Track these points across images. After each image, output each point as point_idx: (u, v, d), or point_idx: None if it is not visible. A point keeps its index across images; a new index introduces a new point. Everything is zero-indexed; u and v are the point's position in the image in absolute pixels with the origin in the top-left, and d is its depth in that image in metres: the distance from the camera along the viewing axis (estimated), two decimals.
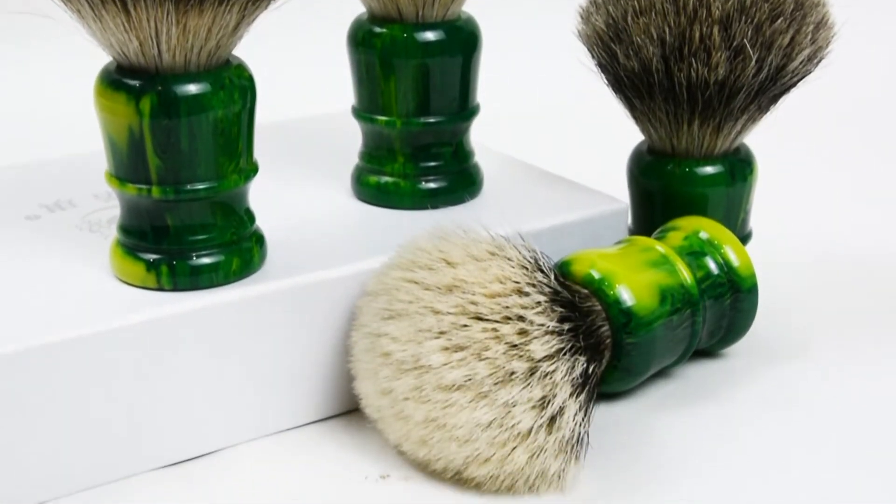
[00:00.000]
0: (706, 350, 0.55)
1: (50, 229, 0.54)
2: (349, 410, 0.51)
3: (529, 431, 0.45)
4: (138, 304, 0.47)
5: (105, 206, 0.56)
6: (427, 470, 0.47)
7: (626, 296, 0.50)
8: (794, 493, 0.46)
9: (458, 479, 0.46)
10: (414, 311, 0.46)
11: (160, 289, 0.48)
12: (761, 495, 0.46)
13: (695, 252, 0.53)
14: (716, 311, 0.53)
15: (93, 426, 0.46)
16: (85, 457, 0.46)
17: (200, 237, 0.48)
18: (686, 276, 0.52)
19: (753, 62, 0.53)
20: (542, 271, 0.47)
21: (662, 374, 0.54)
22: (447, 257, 0.47)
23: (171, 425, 0.48)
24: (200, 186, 0.47)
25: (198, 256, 0.48)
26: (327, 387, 0.51)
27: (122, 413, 0.47)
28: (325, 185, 0.59)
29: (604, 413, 0.51)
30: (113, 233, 0.51)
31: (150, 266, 0.47)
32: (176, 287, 0.48)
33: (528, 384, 0.45)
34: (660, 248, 0.52)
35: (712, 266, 0.53)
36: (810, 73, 0.56)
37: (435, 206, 0.55)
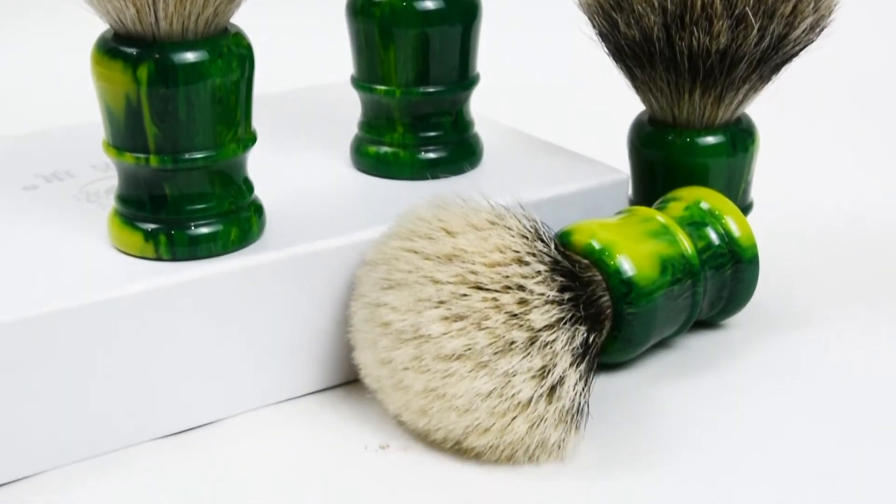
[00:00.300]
0: (707, 321, 0.55)
1: (48, 200, 0.54)
2: (348, 381, 0.51)
3: (529, 401, 0.44)
4: (137, 273, 0.47)
5: (103, 177, 0.56)
6: (427, 440, 0.47)
7: (627, 266, 0.49)
8: (794, 463, 0.46)
9: (458, 449, 0.46)
10: (413, 281, 0.46)
11: (158, 258, 0.47)
12: (762, 465, 0.46)
13: (696, 222, 0.53)
14: (717, 282, 0.53)
15: (92, 396, 0.46)
16: (84, 426, 0.46)
17: (199, 207, 0.47)
18: (687, 246, 0.51)
19: (755, 31, 0.52)
20: (543, 241, 0.47)
21: (663, 344, 0.54)
22: (447, 226, 0.47)
23: (171, 395, 0.48)
24: (198, 155, 0.46)
25: (196, 226, 0.47)
26: (327, 357, 0.51)
27: (122, 383, 0.47)
28: (325, 156, 0.58)
29: (604, 383, 0.51)
30: (111, 203, 0.50)
31: (149, 236, 0.47)
32: (174, 257, 0.47)
33: (528, 354, 0.44)
34: (660, 218, 0.52)
35: (713, 236, 0.53)
36: (812, 42, 0.55)
37: (435, 177, 0.54)
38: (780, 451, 0.47)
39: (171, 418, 0.48)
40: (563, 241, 0.50)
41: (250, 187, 0.49)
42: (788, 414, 0.49)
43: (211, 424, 0.49)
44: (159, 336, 0.47)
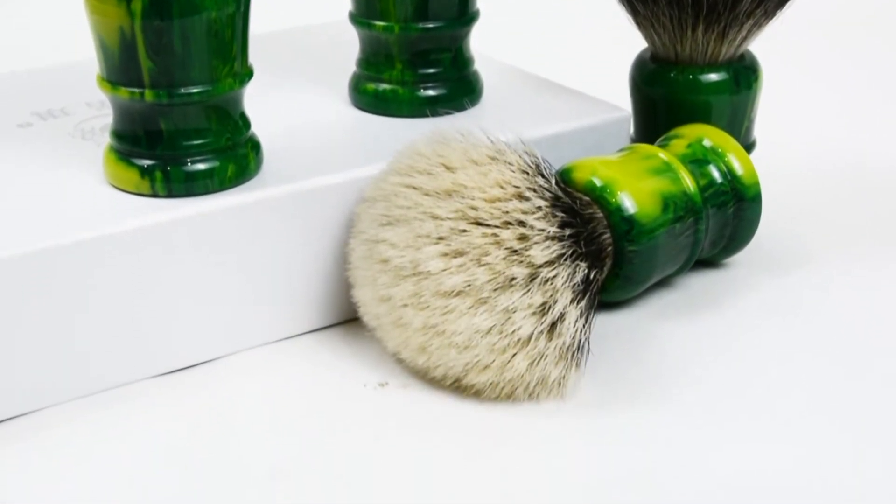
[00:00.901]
0: (709, 260, 0.55)
1: (43, 137, 0.53)
2: (348, 320, 0.51)
3: (529, 338, 0.44)
4: (133, 210, 0.46)
5: (98, 115, 0.55)
6: (426, 377, 0.47)
7: (628, 203, 0.49)
8: (793, 400, 0.46)
9: (458, 387, 0.46)
10: (412, 217, 0.46)
11: (155, 195, 0.47)
12: (761, 402, 0.46)
13: (698, 160, 0.52)
14: (719, 220, 0.52)
15: (89, 333, 0.46)
16: (81, 364, 0.46)
17: (195, 142, 0.47)
18: (689, 183, 0.51)
19: None
20: (543, 176, 0.47)
21: (664, 283, 0.54)
22: (446, 162, 0.47)
23: (168, 333, 0.48)
24: (194, 90, 0.46)
25: (192, 162, 0.47)
26: (325, 295, 0.50)
27: (119, 320, 0.46)
28: (323, 94, 0.58)
29: (605, 321, 0.51)
30: (106, 140, 0.50)
31: (145, 172, 0.47)
32: (171, 193, 0.47)
33: (529, 290, 0.44)
34: (662, 155, 0.52)
35: (716, 174, 0.52)
36: None
37: (434, 114, 0.54)
38: (779, 389, 0.47)
39: (169, 356, 0.48)
40: (564, 178, 0.50)
41: (247, 123, 0.49)
42: (789, 352, 0.49)
43: (209, 363, 0.49)
44: (156, 273, 0.46)
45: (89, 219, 0.46)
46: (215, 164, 0.47)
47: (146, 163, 0.47)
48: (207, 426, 0.45)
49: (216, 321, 0.48)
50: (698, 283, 0.54)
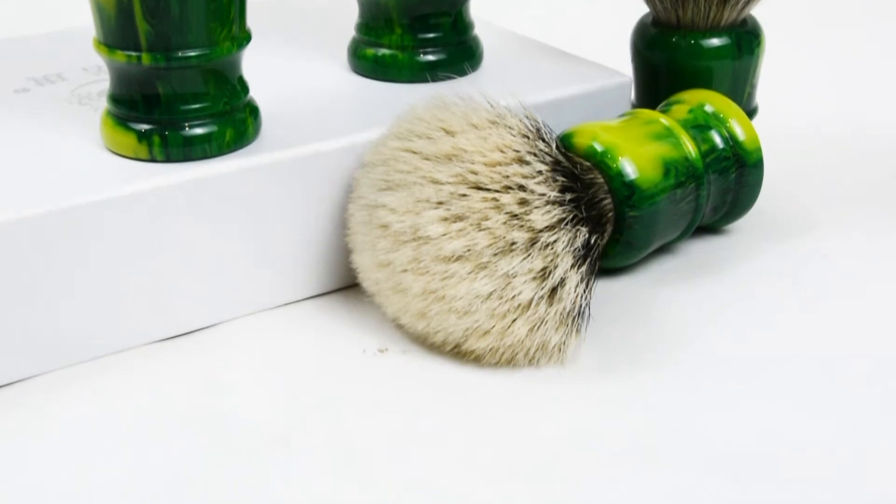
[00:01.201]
0: (710, 226, 0.55)
1: (39, 102, 0.53)
2: (347, 286, 0.51)
3: (530, 303, 0.44)
4: (131, 174, 0.46)
5: (95, 80, 0.55)
6: (426, 343, 0.47)
7: (629, 168, 0.49)
8: (794, 365, 0.46)
9: (458, 352, 0.46)
10: (412, 182, 0.46)
11: (152, 160, 0.47)
12: (762, 367, 0.46)
13: (700, 125, 0.52)
14: (720, 186, 0.52)
15: (87, 298, 0.46)
16: (79, 329, 0.46)
17: (193, 107, 0.47)
18: (691, 149, 0.51)
19: None
20: (544, 140, 0.46)
21: (665, 249, 0.53)
22: (446, 126, 0.47)
23: (166, 299, 0.47)
24: (192, 53, 0.45)
25: (190, 127, 0.47)
26: (324, 261, 0.50)
27: (117, 285, 0.46)
28: (322, 60, 0.57)
29: (605, 287, 0.51)
30: (103, 105, 0.50)
31: (142, 136, 0.47)
32: (168, 158, 0.47)
33: (529, 255, 0.44)
34: (664, 120, 0.52)
35: (717, 140, 0.52)
36: None
37: (434, 79, 0.54)
38: (780, 354, 0.47)
39: (167, 322, 0.48)
40: (565, 143, 0.50)
41: (245, 88, 0.49)
42: (790, 318, 0.49)
43: (208, 329, 0.49)
44: (154, 238, 0.46)
45: (87, 183, 0.46)
46: (213, 128, 0.47)
47: (144, 127, 0.47)
48: (205, 393, 0.45)
49: (214, 287, 0.48)
50: (700, 250, 0.54)
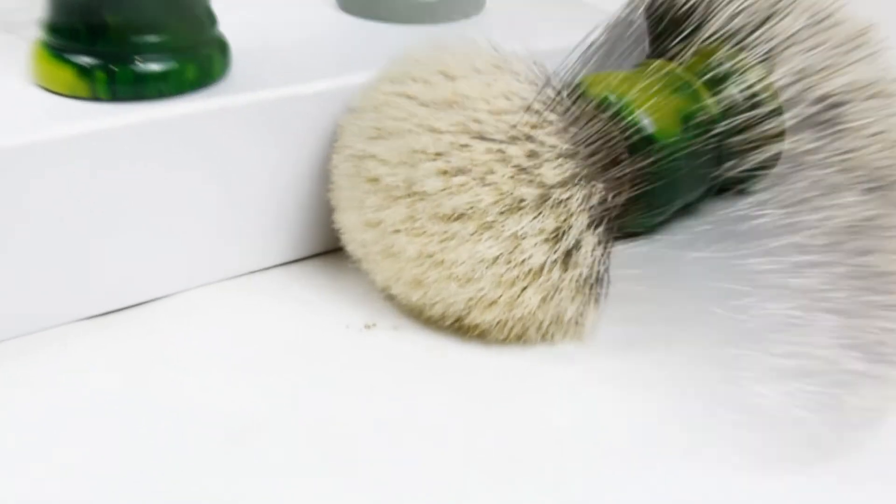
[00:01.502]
0: (741, 188, 0.53)
1: None
2: (328, 250, 0.49)
3: (542, 268, 0.42)
4: (67, 114, 0.43)
5: (22, 6, 0.51)
6: (421, 317, 0.45)
7: (647, 121, 0.48)
8: (825, 336, 0.43)
9: (459, 328, 0.44)
10: (407, 130, 0.44)
11: (95, 98, 0.44)
12: (788, 334, 0.43)
13: (718, 77, 0.51)
14: (741, 140, 0.50)
15: (15, 262, 0.42)
16: (7, 299, 0.42)
17: (147, 39, 0.44)
18: (709, 101, 0.49)
19: None
20: (554, 88, 0.44)
21: (687, 211, 0.52)
22: (446, 70, 0.45)
23: (111, 264, 0.44)
24: None
25: (144, 62, 0.44)
26: (302, 221, 0.48)
27: (52, 247, 0.43)
28: None
29: (626, 253, 0.49)
30: (35, 34, 0.46)
31: (83, 71, 0.43)
32: (115, 97, 0.44)
33: (540, 213, 0.42)
34: (680, 72, 0.50)
35: (735, 91, 0.51)
36: None
37: (433, 21, 0.52)
38: (810, 326, 0.44)
39: (112, 293, 0.45)
40: (577, 93, 0.48)
41: (213, 19, 0.46)
42: (821, 287, 0.46)
43: (161, 299, 0.46)
44: (96, 191, 0.43)
45: (13, 124, 0.42)
46: (172, 64, 0.44)
47: (85, 60, 0.43)
48: (156, 377, 0.42)
49: (170, 251, 0.46)
50: (726, 212, 0.52)
